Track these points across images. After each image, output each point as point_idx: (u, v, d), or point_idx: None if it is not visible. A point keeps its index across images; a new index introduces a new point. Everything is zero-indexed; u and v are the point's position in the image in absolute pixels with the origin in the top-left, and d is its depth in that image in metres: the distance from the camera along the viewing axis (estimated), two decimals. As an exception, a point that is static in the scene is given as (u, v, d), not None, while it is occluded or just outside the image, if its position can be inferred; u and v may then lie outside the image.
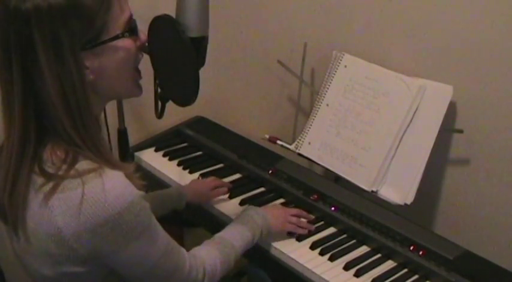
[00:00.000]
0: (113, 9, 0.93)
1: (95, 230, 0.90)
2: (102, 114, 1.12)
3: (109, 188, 0.90)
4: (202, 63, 1.19)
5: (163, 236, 1.02)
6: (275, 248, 1.42)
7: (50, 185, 0.91)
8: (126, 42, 0.97)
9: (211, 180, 1.65)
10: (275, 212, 1.43)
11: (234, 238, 1.27)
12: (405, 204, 1.46)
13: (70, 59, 0.88)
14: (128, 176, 0.95)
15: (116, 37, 0.95)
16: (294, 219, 1.47)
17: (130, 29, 0.97)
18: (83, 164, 0.92)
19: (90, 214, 0.89)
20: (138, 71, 1.04)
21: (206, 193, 1.60)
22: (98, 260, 0.95)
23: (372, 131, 1.55)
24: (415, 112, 1.49)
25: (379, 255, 1.42)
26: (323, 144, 1.64)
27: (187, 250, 1.13)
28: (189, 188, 1.60)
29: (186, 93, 1.16)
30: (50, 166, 0.93)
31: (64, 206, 0.89)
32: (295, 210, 1.52)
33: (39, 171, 0.93)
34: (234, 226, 1.32)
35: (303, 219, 1.51)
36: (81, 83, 0.91)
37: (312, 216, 1.55)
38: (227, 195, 1.64)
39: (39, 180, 0.92)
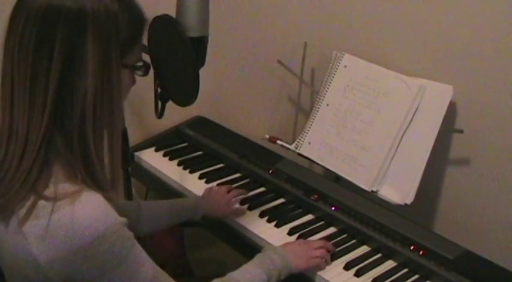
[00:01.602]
0: (140, 40, 0.97)
1: (67, 259, 0.86)
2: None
3: (79, 217, 0.86)
4: (202, 63, 1.19)
5: (148, 267, 0.95)
6: (275, 248, 1.42)
7: (26, 206, 0.88)
8: (134, 74, 0.99)
9: (227, 192, 1.58)
10: (297, 249, 1.32)
11: (246, 279, 1.18)
12: (405, 204, 1.46)
13: (114, 65, 0.90)
14: (108, 198, 0.90)
15: (134, 66, 0.97)
16: (317, 252, 1.34)
17: (140, 66, 0.99)
18: (63, 187, 0.89)
19: (60, 243, 0.86)
20: None
21: (223, 209, 1.53)
22: None
23: (372, 131, 1.55)
24: (415, 112, 1.49)
25: (379, 255, 1.42)
26: (323, 144, 1.64)
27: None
28: (205, 202, 1.54)
29: (186, 93, 1.17)
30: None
31: (37, 233, 0.87)
32: (318, 243, 1.39)
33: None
34: (250, 267, 1.22)
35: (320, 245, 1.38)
36: (118, 89, 0.91)
37: (335, 249, 1.41)
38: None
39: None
